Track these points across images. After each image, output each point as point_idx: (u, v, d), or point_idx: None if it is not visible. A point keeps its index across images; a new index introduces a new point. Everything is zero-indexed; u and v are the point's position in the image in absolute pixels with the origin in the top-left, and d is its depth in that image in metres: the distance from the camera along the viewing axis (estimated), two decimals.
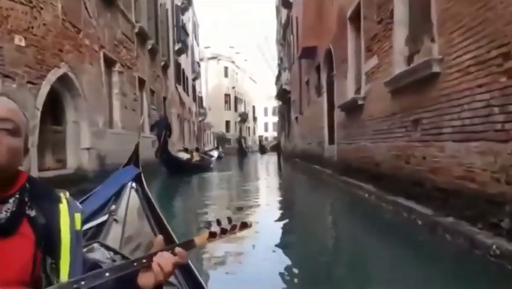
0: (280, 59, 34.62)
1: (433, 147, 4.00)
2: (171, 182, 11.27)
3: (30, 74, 6.21)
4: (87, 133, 8.42)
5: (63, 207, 0.93)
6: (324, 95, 11.25)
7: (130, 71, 12.20)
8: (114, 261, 1.39)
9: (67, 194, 0.98)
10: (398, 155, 5.03)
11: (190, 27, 28.27)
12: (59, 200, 0.94)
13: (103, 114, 9.48)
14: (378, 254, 3.56)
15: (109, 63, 10.46)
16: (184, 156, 15.11)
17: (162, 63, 17.94)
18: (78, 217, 0.95)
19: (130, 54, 12.34)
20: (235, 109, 52.10)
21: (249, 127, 59.29)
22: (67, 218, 0.92)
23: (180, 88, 23.35)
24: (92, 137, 8.62)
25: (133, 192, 2.53)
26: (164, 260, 0.88)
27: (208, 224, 0.98)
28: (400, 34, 5.23)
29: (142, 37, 13.89)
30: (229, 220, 0.99)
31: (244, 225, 1.01)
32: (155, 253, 0.89)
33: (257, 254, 3.56)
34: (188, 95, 27.02)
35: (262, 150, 40.22)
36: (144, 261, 0.89)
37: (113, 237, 1.93)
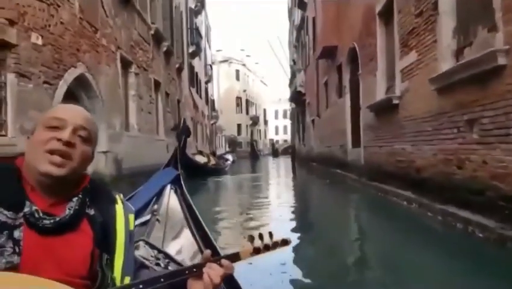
0: (293, 61, 34.29)
1: (499, 150, 3.53)
2: (191, 185, 11.26)
3: (47, 74, 5.90)
4: (104, 136, 8.11)
5: (119, 208, 1.01)
6: (347, 96, 10.79)
7: (146, 73, 11.92)
8: (157, 258, 1.45)
9: (122, 196, 1.06)
10: (447, 159, 4.56)
11: (202, 30, 28.07)
12: (115, 201, 1.02)
13: (119, 116, 9.17)
14: (440, 272, 3.09)
15: (125, 64, 10.18)
16: (201, 159, 15.32)
17: (177, 66, 17.68)
18: (131, 217, 1.03)
19: (146, 56, 12.07)
20: (247, 112, 51.79)
21: (260, 130, 58.92)
22: (122, 218, 0.99)
23: (193, 91, 23.09)
24: (109, 140, 8.30)
25: (173, 194, 2.65)
26: (214, 272, 0.94)
27: (251, 237, 1.02)
28: (446, 25, 4.78)
29: (158, 38, 13.62)
30: (270, 234, 1.04)
31: (285, 242, 1.06)
32: (205, 264, 0.95)
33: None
34: (201, 98, 26.77)
35: (275, 153, 39.92)
36: (194, 270, 0.94)
37: (156, 236, 1.97)
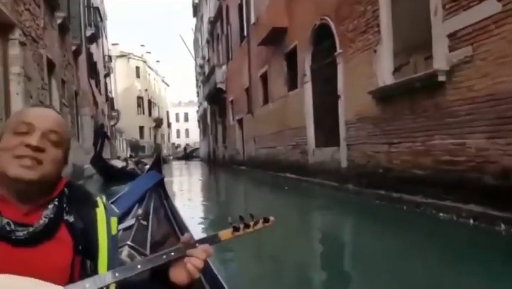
0: (203, 58, 31.90)
1: None
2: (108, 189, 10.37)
3: None
4: None
5: (100, 211, 0.94)
6: (307, 85, 8.99)
7: (35, 46, 8.43)
8: None
9: (104, 198, 0.99)
10: None
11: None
12: (96, 205, 0.95)
13: None
14: None
15: (4, 26, 6.76)
16: (119, 164, 15.14)
17: (74, 48, 13.96)
18: (114, 221, 0.97)
19: (35, 22, 8.57)
20: (149, 114, 47.39)
21: (163, 134, 54.78)
22: (104, 222, 0.93)
23: (93, 84, 19.13)
24: None
25: (156, 197, 2.71)
26: (195, 256, 0.89)
27: (231, 220, 0.98)
28: None
29: (50, 3, 10.09)
30: (251, 216, 1.00)
31: (266, 220, 1.01)
32: (184, 247, 0.90)
33: None
34: (100, 94, 22.64)
35: (187, 156, 37.81)
36: (172, 253, 0.89)
37: (141, 240, 1.93)
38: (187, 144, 51.83)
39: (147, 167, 18.14)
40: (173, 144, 60.34)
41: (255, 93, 14.08)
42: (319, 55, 8.58)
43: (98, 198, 0.96)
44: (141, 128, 44.41)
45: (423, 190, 4.85)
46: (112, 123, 29.46)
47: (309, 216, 6.09)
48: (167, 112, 59.87)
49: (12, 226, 0.81)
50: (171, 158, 39.03)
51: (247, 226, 0.98)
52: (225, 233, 0.96)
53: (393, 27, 5.78)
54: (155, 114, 49.76)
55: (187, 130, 67.61)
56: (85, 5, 17.69)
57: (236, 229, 0.97)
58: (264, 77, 12.72)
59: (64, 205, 0.90)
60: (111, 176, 12.56)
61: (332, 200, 6.96)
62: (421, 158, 4.95)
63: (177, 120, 68.19)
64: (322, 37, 8.21)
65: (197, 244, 0.92)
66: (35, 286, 0.74)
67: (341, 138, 7.35)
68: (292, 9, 9.82)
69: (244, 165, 16.19)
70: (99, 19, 19.86)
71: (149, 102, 47.36)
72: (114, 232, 0.95)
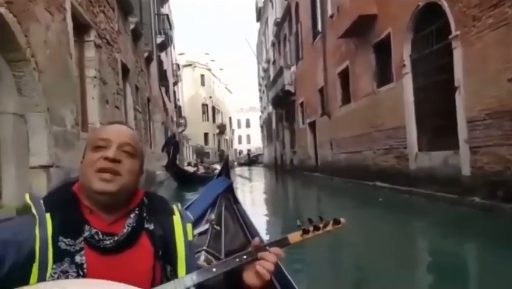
0: (268, 62, 31.28)
1: None
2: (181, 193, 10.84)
3: None
4: (44, 138, 4.34)
5: (176, 218, 0.99)
6: (407, 78, 7.68)
7: (110, 49, 8.13)
8: None
9: (179, 205, 1.04)
10: None
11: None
12: (173, 212, 1.00)
13: (71, 105, 5.38)
14: None
15: (80, 26, 6.41)
16: (191, 169, 16.11)
17: (146, 54, 13.89)
18: (189, 227, 1.01)
19: (110, 24, 8.29)
20: (213, 120, 47.94)
21: (226, 140, 55.24)
22: (181, 229, 0.98)
23: (163, 92, 19.22)
24: (54, 145, 4.52)
25: (227, 202, 2.73)
26: (267, 259, 0.91)
27: (300, 222, 0.97)
28: None
29: (124, 7, 9.89)
30: (321, 218, 0.99)
31: (337, 222, 0.98)
32: (256, 251, 0.92)
33: None
34: (170, 101, 22.84)
35: (251, 162, 37.66)
36: (244, 257, 0.92)
37: (216, 245, 1.96)
38: (249, 150, 51.78)
39: (217, 171, 18.68)
40: (235, 150, 60.69)
41: (331, 92, 12.91)
42: (422, 42, 7.26)
43: (174, 206, 1.03)
44: (206, 135, 44.99)
45: None
46: (180, 130, 29.86)
47: (427, 242, 4.83)
48: (230, 118, 60.37)
49: (100, 236, 0.87)
50: (235, 163, 39.04)
51: (316, 228, 0.97)
52: (294, 236, 0.96)
53: None
54: (218, 120, 50.30)
55: (248, 136, 67.75)
56: (155, 12, 17.80)
57: (305, 232, 0.96)
58: (344, 75, 11.52)
59: (144, 214, 0.96)
60: (184, 181, 13.36)
61: (451, 218, 5.62)
62: None
63: (239, 126, 68.67)
64: (427, 20, 6.90)
65: (267, 247, 0.93)
66: None
67: (460, 140, 5.98)
68: None
69: (318, 172, 15.02)
70: (168, 27, 19.93)
71: (213, 108, 47.94)
72: (190, 237, 0.99)
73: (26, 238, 0.83)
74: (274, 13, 24.96)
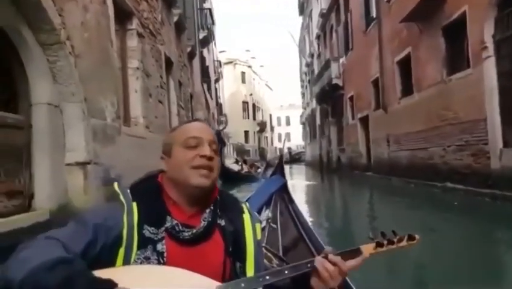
0: (311, 56, 30.22)
1: None
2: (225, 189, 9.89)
3: None
4: (81, 131, 3.81)
5: (246, 217, 1.03)
6: (489, 62, 6.56)
7: (154, 40, 7.64)
8: (279, 266, 1.48)
9: (248, 204, 1.08)
10: None
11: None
12: (243, 211, 1.04)
13: (111, 97, 4.87)
14: None
15: (122, 13, 5.92)
16: (235, 167, 16.31)
17: (189, 49, 13.43)
18: (258, 227, 1.04)
19: (153, 14, 7.81)
20: (254, 118, 47.43)
21: (266, 138, 54.58)
22: (250, 227, 1.01)
23: (205, 88, 18.84)
24: (92, 140, 4.00)
25: (281, 201, 2.84)
26: (335, 267, 0.91)
27: (374, 235, 0.96)
28: None
29: None
30: (394, 232, 0.97)
31: (412, 238, 0.96)
32: (325, 259, 0.92)
33: None
34: (211, 98, 22.49)
35: (293, 160, 37.09)
36: (315, 263, 0.91)
37: (273, 242, 2.01)
38: (289, 148, 50.88)
39: (260, 170, 19.46)
40: (275, 147, 59.89)
41: (388, 83, 11.79)
42: (508, 20, 6.12)
43: (243, 205, 1.06)
44: (246, 132, 44.57)
45: None
46: (221, 127, 29.58)
47: None
48: (270, 115, 59.68)
49: (180, 227, 0.93)
50: (276, 161, 38.47)
51: (390, 242, 0.95)
52: (367, 248, 0.94)
53: None
54: (258, 118, 49.73)
55: (287, 134, 66.85)
56: (198, 6, 17.41)
57: (379, 245, 0.94)
58: (405, 63, 10.39)
59: (218, 211, 1.00)
60: (229, 179, 13.06)
61: None
62: None
63: (279, 123, 67.83)
64: None
65: (339, 257, 0.92)
66: (203, 280, 0.83)
67: None
68: None
69: (370, 171, 13.92)
70: (210, 21, 19.53)
71: (254, 106, 47.44)
72: (259, 237, 1.02)
73: (115, 223, 0.89)
74: (319, 4, 23.92)
